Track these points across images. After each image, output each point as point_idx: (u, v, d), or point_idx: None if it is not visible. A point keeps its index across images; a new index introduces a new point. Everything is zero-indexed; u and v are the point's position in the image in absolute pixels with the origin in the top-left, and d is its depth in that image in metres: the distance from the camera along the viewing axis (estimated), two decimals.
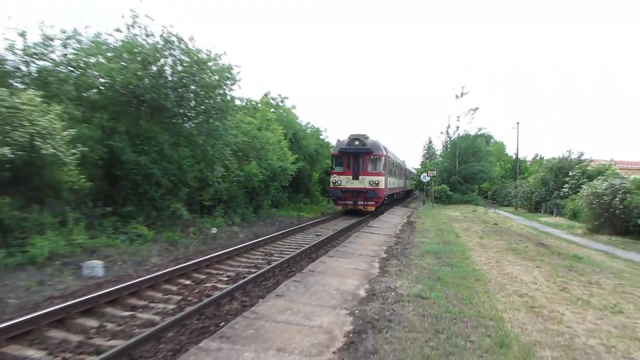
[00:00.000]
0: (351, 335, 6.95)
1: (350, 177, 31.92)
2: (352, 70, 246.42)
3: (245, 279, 11.87)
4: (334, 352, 6.24)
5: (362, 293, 9.47)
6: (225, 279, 12.59)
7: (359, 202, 31.79)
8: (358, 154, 31.97)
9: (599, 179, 30.81)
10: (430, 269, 12.33)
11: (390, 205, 41.41)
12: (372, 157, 32.16)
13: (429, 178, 46.86)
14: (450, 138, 63.50)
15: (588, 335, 7.58)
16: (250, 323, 7.23)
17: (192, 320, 8.76)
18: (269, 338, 6.61)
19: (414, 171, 71.00)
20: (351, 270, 11.72)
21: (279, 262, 14.29)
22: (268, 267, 13.52)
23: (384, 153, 32.99)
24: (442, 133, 64.24)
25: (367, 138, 32.55)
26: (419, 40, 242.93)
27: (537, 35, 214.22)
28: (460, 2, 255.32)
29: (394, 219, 28.54)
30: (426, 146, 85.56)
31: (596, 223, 28.02)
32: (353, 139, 32.34)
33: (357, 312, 8.12)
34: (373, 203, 31.91)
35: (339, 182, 32.02)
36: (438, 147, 75.19)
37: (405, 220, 27.45)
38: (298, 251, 16.27)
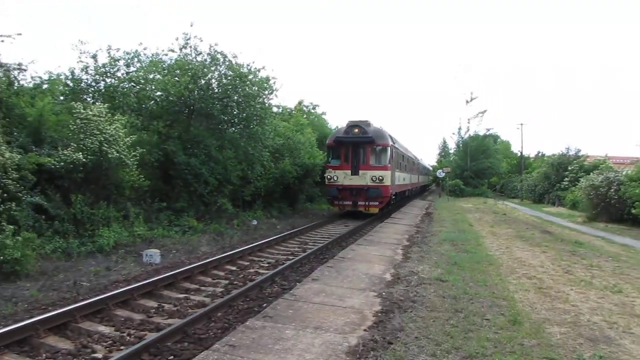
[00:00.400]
0: (380, 314, 6.88)
1: (349, 171, 23.69)
2: (366, 70, 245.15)
3: (284, 265, 11.83)
4: (365, 330, 6.17)
5: (388, 277, 9.37)
6: (266, 265, 12.58)
7: (359, 203, 23.63)
8: (358, 143, 23.76)
9: (595, 173, 30.28)
10: (448, 254, 12.18)
11: (408, 200, 38.26)
12: (375, 147, 23.82)
13: (444, 174, 46.61)
14: (462, 138, 63.37)
15: (592, 313, 7.41)
16: (289, 304, 7.20)
17: (238, 302, 8.74)
18: (307, 317, 6.57)
19: (430, 167, 70.35)
20: (378, 256, 11.62)
21: (313, 250, 14.22)
22: (303, 254, 13.46)
23: (390, 143, 24.52)
24: (454, 134, 64.09)
25: (369, 125, 24.22)
26: (432, 40, 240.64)
27: (537, 35, 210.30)
28: (465, 3, 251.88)
29: (413, 210, 28.32)
30: (441, 146, 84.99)
31: (594, 212, 27.50)
32: (352, 125, 24.09)
33: (384, 294, 8.04)
34: (376, 203, 23.68)
35: (335, 178, 23.78)
36: (452, 146, 74.99)
37: (423, 212, 27.21)
38: (330, 240, 16.19)
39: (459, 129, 65.65)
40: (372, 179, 23.31)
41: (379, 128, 25.11)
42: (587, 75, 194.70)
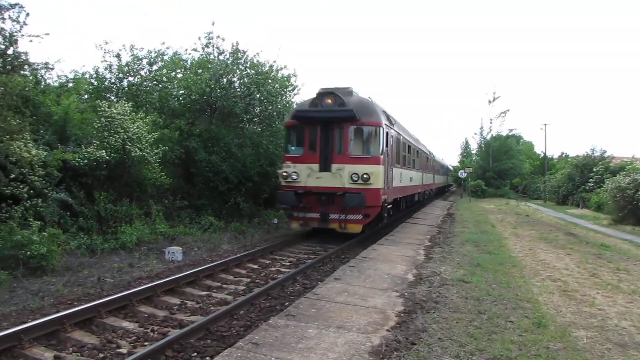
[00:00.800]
0: (403, 315, 6.87)
1: (316, 166, 15.37)
2: (389, 69, 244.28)
3: (306, 264, 11.83)
4: (388, 330, 6.17)
5: (410, 277, 9.35)
6: (288, 264, 12.59)
7: (331, 216, 15.20)
8: (331, 121, 15.28)
9: (622, 175, 29.78)
10: (470, 256, 12.11)
11: (429, 201, 35.52)
12: (359, 128, 15.39)
13: (466, 174, 46.30)
14: (485, 139, 62.97)
15: (620, 318, 7.28)
16: (312, 303, 7.22)
17: (261, 300, 8.77)
18: (330, 317, 6.59)
19: (451, 167, 69.65)
20: (400, 257, 11.60)
21: (335, 249, 14.18)
22: (325, 254, 13.45)
23: (383, 122, 15.84)
24: (476, 134, 63.72)
25: (350, 94, 15.79)
26: (454, 40, 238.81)
27: (562, 33, 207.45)
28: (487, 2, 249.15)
29: (435, 211, 28.13)
30: (463, 146, 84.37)
31: (620, 215, 27.00)
32: (323, 94, 15.59)
33: (407, 294, 8.02)
34: (359, 217, 15.05)
35: (295, 177, 15.49)
36: (474, 147, 74.54)
37: (445, 213, 26.99)
38: (352, 240, 16.12)
39: (481, 129, 65.12)
40: (352, 177, 14.84)
41: (366, 99, 16.42)
42: (613, 74, 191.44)
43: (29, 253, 10.00)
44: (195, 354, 6.23)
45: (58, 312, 7.32)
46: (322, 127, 15.42)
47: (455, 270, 10.12)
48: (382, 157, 15.53)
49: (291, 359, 5.18)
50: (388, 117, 17.27)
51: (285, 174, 15.63)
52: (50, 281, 9.86)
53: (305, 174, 15.38)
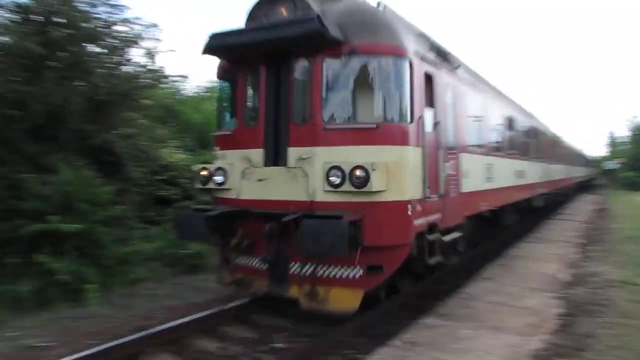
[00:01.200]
0: (562, 317, 6.56)
1: (258, 152, 6.97)
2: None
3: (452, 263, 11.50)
4: (548, 334, 5.92)
5: (564, 277, 8.95)
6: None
7: (292, 267, 6.65)
8: (283, 51, 6.71)
9: None
10: (633, 255, 11.05)
11: (568, 199, 28.29)
12: (343, 59, 6.45)
13: (617, 165, 42.93)
14: (635, 124, 57.69)
15: None
16: (463, 303, 7.16)
17: (410, 299, 8.68)
18: (483, 317, 6.50)
19: (591, 157, 62.97)
20: (550, 255, 11.12)
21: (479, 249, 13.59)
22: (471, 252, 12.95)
23: (410, 49, 6.70)
24: (629, 121, 58.60)
25: None
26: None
27: None
28: None
29: (581, 205, 26.33)
30: (609, 136, 78.24)
31: None
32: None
33: (564, 295, 7.65)
34: (357, 273, 6.32)
35: (219, 179, 7.30)
36: (620, 135, 68.48)
37: (595, 207, 25.12)
38: (496, 240, 15.36)
39: (633, 116, 59.39)
40: (329, 176, 6.19)
41: (368, 6, 7.10)
42: None
43: (184, 252, 10.86)
44: (350, 350, 6.35)
45: (217, 307, 7.81)
46: (269, 69, 7.17)
47: (618, 271, 9.36)
48: (410, 126, 6.69)
49: (447, 359, 5.15)
50: (433, 46, 8.03)
51: (204, 172, 7.62)
52: (205, 278, 10.55)
53: (237, 172, 7.26)
